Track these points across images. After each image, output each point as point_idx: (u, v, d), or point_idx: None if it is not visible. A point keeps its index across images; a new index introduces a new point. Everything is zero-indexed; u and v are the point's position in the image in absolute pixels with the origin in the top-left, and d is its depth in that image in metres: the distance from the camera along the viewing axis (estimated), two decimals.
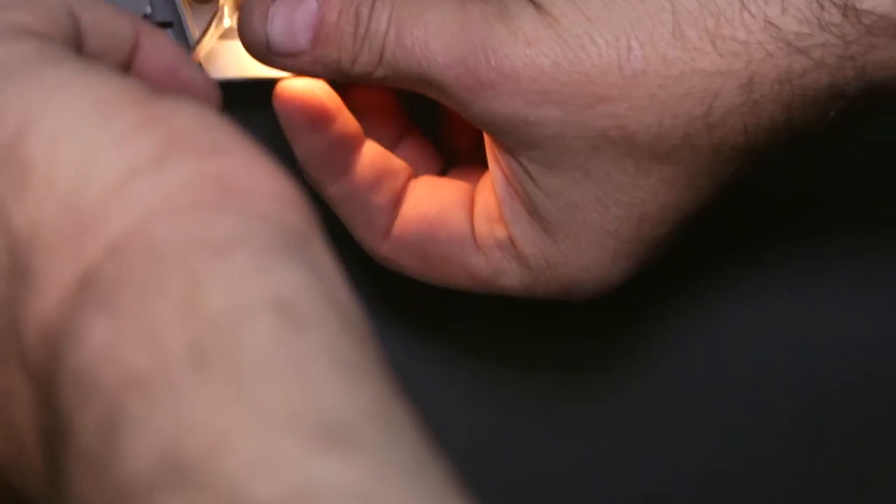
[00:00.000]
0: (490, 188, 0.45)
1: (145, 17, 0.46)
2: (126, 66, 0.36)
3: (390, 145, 0.49)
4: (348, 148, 0.46)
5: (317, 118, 0.46)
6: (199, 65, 0.46)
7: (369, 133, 0.49)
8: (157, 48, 0.36)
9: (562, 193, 0.42)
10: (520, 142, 0.41)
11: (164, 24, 0.49)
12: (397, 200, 0.47)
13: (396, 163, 0.48)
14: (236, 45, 0.49)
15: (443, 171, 0.50)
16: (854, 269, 0.57)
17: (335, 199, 0.47)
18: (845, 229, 0.57)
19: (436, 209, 0.46)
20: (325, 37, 0.42)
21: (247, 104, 0.54)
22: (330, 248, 0.28)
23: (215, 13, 0.46)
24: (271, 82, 0.48)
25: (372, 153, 0.47)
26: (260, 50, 0.43)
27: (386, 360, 0.27)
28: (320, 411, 0.24)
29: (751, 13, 0.38)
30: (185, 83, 0.38)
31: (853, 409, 0.58)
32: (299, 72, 0.44)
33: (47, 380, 0.26)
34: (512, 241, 0.44)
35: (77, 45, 0.33)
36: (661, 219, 0.42)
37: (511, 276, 0.45)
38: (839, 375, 0.57)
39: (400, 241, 0.46)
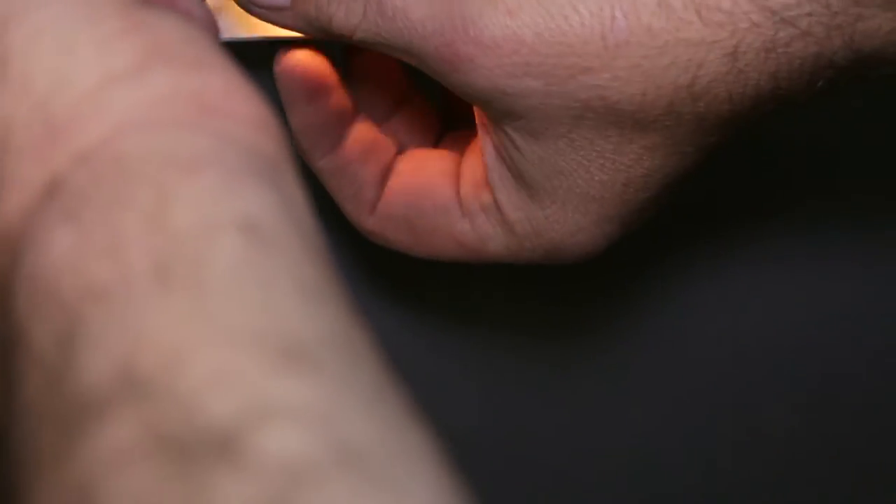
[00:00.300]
0: (478, 154, 0.46)
1: None
2: None
3: (389, 110, 0.50)
4: (341, 123, 0.47)
5: (314, 91, 0.46)
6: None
7: (368, 97, 0.49)
8: None
9: (546, 161, 0.42)
10: (502, 112, 0.41)
11: None
12: (385, 175, 0.47)
13: (386, 138, 0.48)
14: None
15: (440, 136, 0.51)
16: (850, 245, 0.57)
17: (324, 171, 0.47)
18: (840, 202, 0.57)
19: (421, 180, 0.47)
20: None
21: (255, 63, 0.55)
22: (297, 175, 0.28)
23: None
24: (279, 42, 0.49)
25: (363, 128, 0.48)
26: (243, 1, 0.44)
27: (347, 289, 0.26)
28: (281, 332, 0.24)
29: None
30: (184, 11, 0.38)
31: (842, 382, 0.58)
32: (285, 26, 0.44)
33: (3, 284, 0.26)
34: (497, 206, 0.44)
35: None
36: (646, 184, 0.42)
37: (496, 242, 0.45)
38: (829, 351, 0.58)
39: (386, 214, 0.47)
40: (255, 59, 0.54)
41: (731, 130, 0.41)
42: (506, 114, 0.41)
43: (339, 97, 0.47)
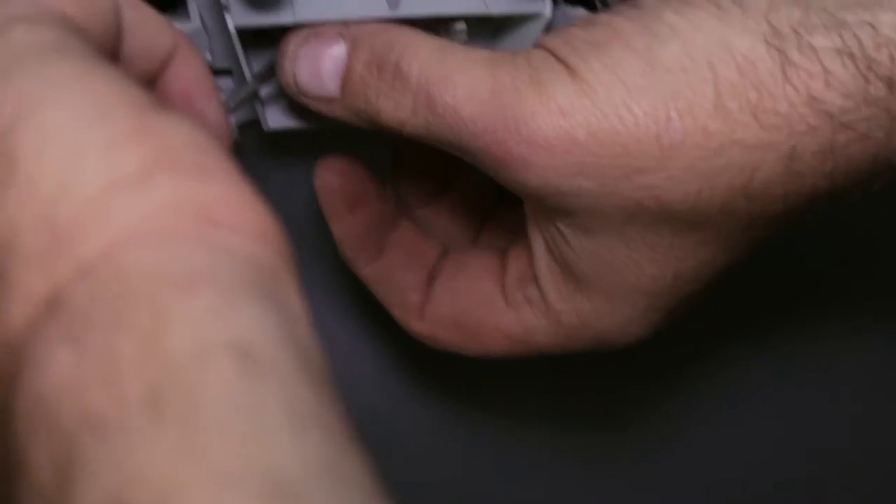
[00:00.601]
0: (522, 248, 0.46)
1: None
2: (154, 75, 0.35)
3: (430, 196, 0.50)
4: (383, 229, 0.48)
5: (354, 201, 0.47)
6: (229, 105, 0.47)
7: (409, 184, 0.50)
8: (188, 69, 0.36)
9: (596, 255, 0.41)
10: (553, 208, 0.41)
11: (223, 71, 0.50)
12: (430, 278, 0.48)
13: (429, 241, 0.49)
14: None
15: (483, 221, 0.51)
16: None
17: (370, 279, 0.48)
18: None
19: (465, 279, 0.47)
20: (351, 87, 0.42)
21: (301, 152, 0.56)
22: (300, 287, 0.28)
23: (269, 63, 0.47)
24: (326, 131, 0.50)
25: (405, 232, 0.49)
26: (291, 91, 0.44)
27: (343, 406, 0.26)
28: (269, 469, 0.23)
29: (794, 86, 0.37)
30: (199, 114, 0.38)
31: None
32: (334, 117, 0.44)
33: (7, 394, 0.26)
34: (544, 298, 0.44)
35: (114, 41, 0.33)
36: (696, 276, 0.42)
37: (543, 333, 0.45)
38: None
39: (434, 316, 0.47)
40: (300, 146, 0.55)
41: (784, 225, 0.40)
42: (557, 210, 0.41)
43: (380, 204, 0.48)
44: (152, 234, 0.26)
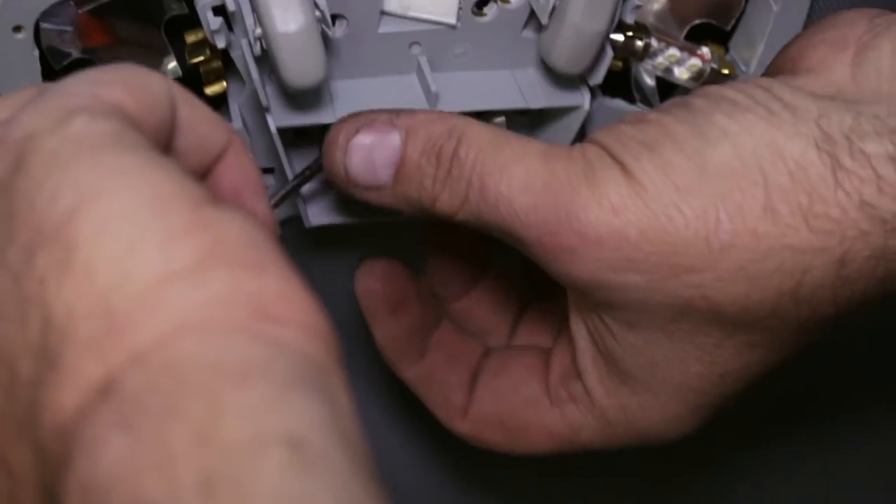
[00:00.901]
0: (564, 346, 0.46)
1: None
2: (206, 170, 0.36)
3: (464, 289, 0.50)
4: (424, 331, 0.48)
5: (395, 305, 0.47)
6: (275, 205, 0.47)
7: (447, 272, 0.50)
8: (239, 166, 0.36)
9: (642, 351, 0.41)
10: (601, 302, 0.41)
11: (266, 171, 0.50)
12: (473, 378, 0.48)
13: (470, 340, 0.49)
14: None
15: (520, 312, 0.51)
16: None
17: (413, 381, 0.48)
18: None
19: (508, 379, 0.47)
20: (405, 175, 0.42)
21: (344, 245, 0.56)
22: (347, 382, 0.28)
23: (315, 161, 0.47)
24: (372, 224, 0.50)
25: (447, 333, 0.49)
26: (340, 181, 0.43)
27: (389, 499, 0.26)
28: None
29: (845, 191, 0.37)
30: (247, 210, 0.37)
31: None
32: (384, 205, 0.43)
33: (55, 476, 0.26)
34: (588, 394, 0.44)
35: (168, 135, 0.33)
36: (743, 376, 0.41)
37: (588, 430, 0.44)
38: None
39: (478, 417, 0.47)
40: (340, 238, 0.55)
41: (834, 328, 0.40)
42: (604, 303, 0.41)
43: (421, 307, 0.48)
44: (207, 326, 0.27)
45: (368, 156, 0.42)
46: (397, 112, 0.43)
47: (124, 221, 0.27)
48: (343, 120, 0.43)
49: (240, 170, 0.36)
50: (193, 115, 0.34)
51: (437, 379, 0.48)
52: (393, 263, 0.48)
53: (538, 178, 0.39)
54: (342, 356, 0.28)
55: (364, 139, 0.42)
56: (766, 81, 0.40)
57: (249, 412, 0.25)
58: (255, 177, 0.37)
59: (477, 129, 0.41)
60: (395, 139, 0.42)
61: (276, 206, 0.47)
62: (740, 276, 0.38)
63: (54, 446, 0.26)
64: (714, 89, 0.40)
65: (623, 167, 0.39)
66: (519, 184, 0.40)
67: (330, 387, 0.27)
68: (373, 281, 0.47)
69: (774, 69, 0.42)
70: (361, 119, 0.43)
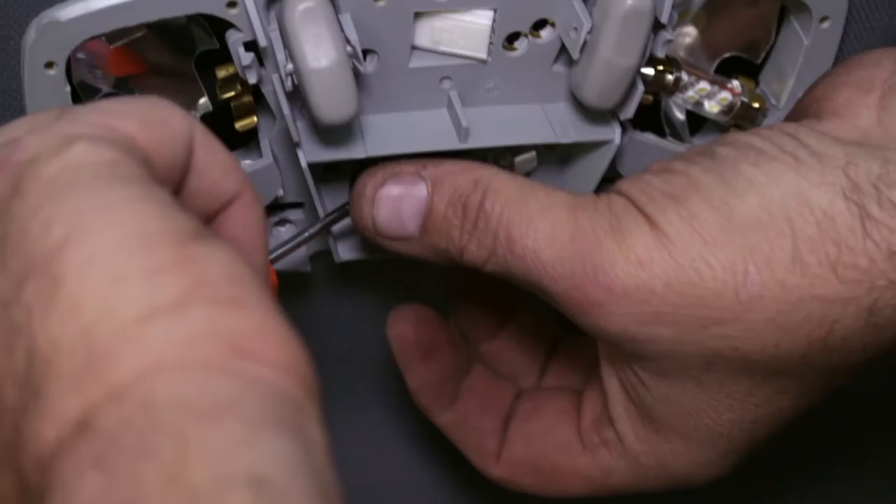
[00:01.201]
0: (596, 390, 0.45)
1: (277, 199, 0.48)
2: (213, 215, 0.36)
3: (492, 330, 0.50)
4: (457, 376, 0.48)
5: (427, 351, 0.47)
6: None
7: (470, 319, 0.50)
8: (243, 220, 0.36)
9: (673, 400, 0.41)
10: (630, 354, 0.40)
11: (296, 205, 0.50)
12: (505, 422, 0.48)
13: (501, 383, 0.49)
14: None
15: (549, 353, 0.51)
16: None
17: (446, 426, 0.48)
18: None
19: (540, 423, 0.47)
20: (433, 226, 0.42)
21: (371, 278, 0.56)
22: (321, 418, 0.28)
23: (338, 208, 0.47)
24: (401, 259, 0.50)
25: (479, 377, 0.49)
26: (368, 232, 0.44)
27: None
28: None
29: (874, 241, 0.37)
30: (244, 241, 0.38)
31: None
32: (411, 255, 0.44)
33: None
34: (620, 439, 0.44)
35: (180, 173, 0.33)
36: (774, 421, 0.41)
37: (620, 474, 0.44)
38: None
39: (511, 461, 0.47)
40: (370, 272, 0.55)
41: (862, 371, 0.40)
42: (634, 355, 0.41)
43: (453, 352, 0.48)
44: (183, 363, 0.27)
45: (396, 207, 0.42)
46: (424, 163, 0.43)
47: (110, 257, 0.28)
48: (370, 171, 0.44)
49: (244, 222, 0.36)
50: (209, 158, 0.34)
51: (470, 424, 0.48)
52: (424, 309, 0.48)
53: (564, 231, 0.39)
54: (318, 393, 0.29)
55: (391, 190, 0.42)
56: (791, 127, 0.40)
57: (216, 452, 0.25)
58: (257, 232, 0.37)
59: (503, 180, 0.41)
60: (421, 190, 0.42)
61: (305, 242, 0.47)
62: (770, 326, 0.38)
63: (34, 477, 0.27)
64: (740, 137, 0.40)
65: (649, 219, 0.39)
66: (545, 236, 0.40)
67: (303, 424, 0.27)
68: (404, 327, 0.47)
69: (800, 110, 0.42)
70: (388, 170, 0.43)
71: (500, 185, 0.41)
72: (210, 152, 0.34)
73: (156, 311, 0.27)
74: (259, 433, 0.26)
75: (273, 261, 0.46)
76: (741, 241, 0.38)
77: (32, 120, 0.32)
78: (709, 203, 0.38)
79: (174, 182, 0.33)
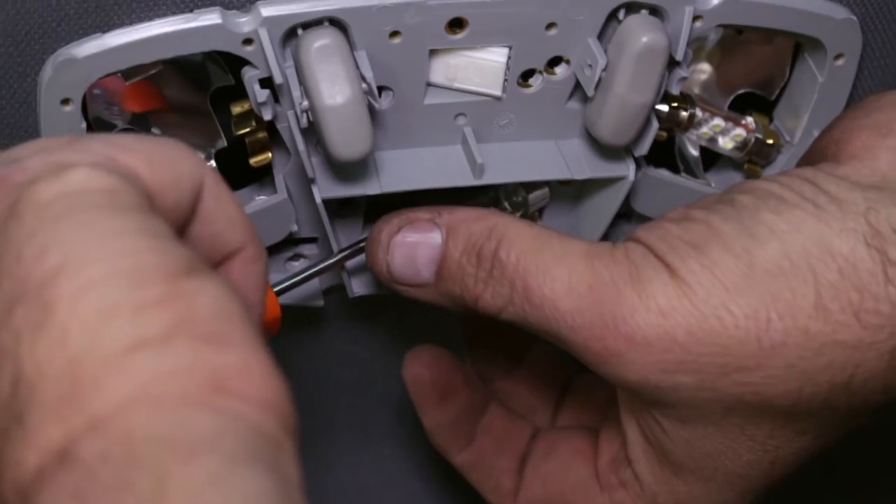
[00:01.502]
0: (613, 429, 0.45)
1: (291, 234, 0.48)
2: (214, 265, 0.35)
3: (507, 367, 0.50)
4: (473, 417, 0.48)
5: (443, 392, 0.47)
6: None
7: (484, 356, 0.50)
8: (244, 275, 0.36)
9: (693, 444, 0.41)
10: (651, 400, 0.40)
11: (310, 240, 0.50)
12: (522, 462, 0.48)
13: (518, 423, 0.49)
14: None
15: (564, 390, 0.51)
16: None
17: (462, 466, 0.48)
18: None
19: (557, 462, 0.47)
20: (447, 273, 0.42)
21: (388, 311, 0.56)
22: (297, 455, 0.28)
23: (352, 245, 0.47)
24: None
25: (495, 417, 0.49)
26: (384, 278, 0.44)
27: None
28: None
29: None
30: (237, 276, 0.37)
31: None
32: (426, 301, 0.43)
33: None
34: (638, 481, 0.43)
35: (185, 217, 0.33)
36: (793, 461, 0.41)
37: None
38: None
39: (527, 501, 0.47)
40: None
41: (882, 409, 0.40)
42: (654, 402, 0.40)
43: (469, 392, 0.48)
44: (165, 397, 0.27)
45: (410, 254, 0.42)
46: (439, 210, 0.43)
47: (102, 289, 0.28)
48: (385, 218, 0.44)
49: (244, 277, 0.36)
50: (217, 208, 0.34)
51: (487, 464, 0.48)
52: (440, 350, 0.48)
53: (582, 281, 0.39)
54: (297, 430, 0.29)
55: (406, 237, 0.43)
56: (810, 173, 0.40)
57: (192, 489, 0.25)
58: (256, 288, 0.36)
59: (517, 228, 0.41)
60: (436, 237, 0.42)
61: (314, 275, 0.47)
62: (792, 372, 0.38)
63: (13, 502, 0.27)
64: (759, 184, 0.40)
65: (669, 268, 0.38)
66: (563, 286, 0.39)
67: (279, 461, 0.27)
68: (420, 368, 0.47)
69: (817, 152, 0.42)
70: (403, 217, 0.43)
71: (515, 233, 0.41)
72: (218, 202, 0.34)
73: (141, 344, 0.27)
74: (235, 470, 0.26)
75: (280, 293, 0.46)
76: (763, 289, 0.37)
77: (42, 143, 0.33)
78: (730, 251, 0.38)
79: (176, 224, 0.33)
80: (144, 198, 0.31)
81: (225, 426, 0.27)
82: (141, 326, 0.27)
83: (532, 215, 0.50)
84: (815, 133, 0.49)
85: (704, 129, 0.49)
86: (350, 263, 0.48)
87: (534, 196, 0.49)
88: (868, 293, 0.37)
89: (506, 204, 0.49)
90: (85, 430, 0.26)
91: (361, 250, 0.46)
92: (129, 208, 0.30)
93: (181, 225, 0.33)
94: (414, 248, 0.42)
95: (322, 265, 0.47)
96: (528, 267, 0.40)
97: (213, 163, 0.46)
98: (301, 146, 0.43)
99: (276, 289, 0.45)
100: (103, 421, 0.26)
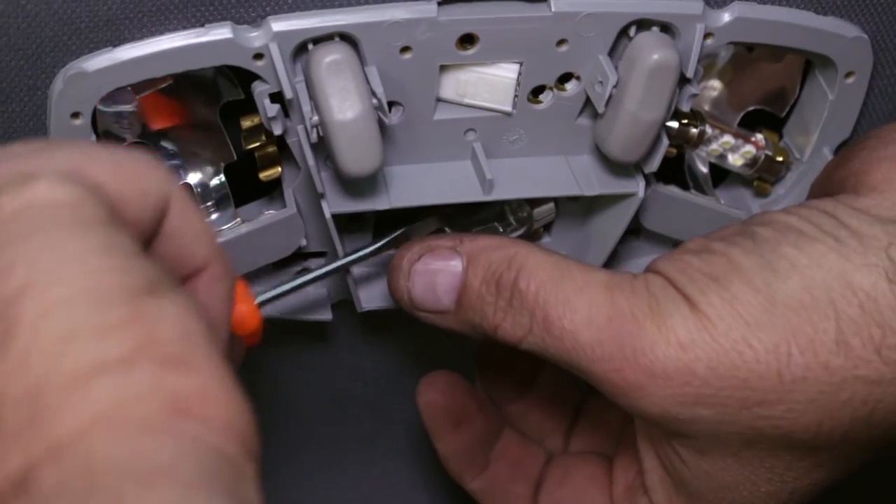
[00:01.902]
0: (629, 456, 0.45)
1: (300, 248, 0.48)
2: (182, 280, 0.35)
3: (518, 391, 0.50)
4: (487, 443, 0.48)
5: (457, 419, 0.47)
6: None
7: (495, 380, 0.50)
8: (211, 294, 0.35)
9: (712, 475, 0.40)
10: (670, 432, 0.40)
11: (318, 254, 0.50)
12: (536, 487, 0.48)
13: (532, 448, 0.48)
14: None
15: (576, 413, 0.51)
16: None
17: (477, 492, 0.48)
18: None
19: (572, 489, 0.47)
20: (467, 302, 0.42)
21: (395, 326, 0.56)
22: (258, 478, 0.28)
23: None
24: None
25: (509, 443, 0.49)
26: (405, 305, 0.44)
27: None
28: None
29: None
30: (204, 298, 0.37)
31: None
32: (446, 328, 0.43)
33: None
34: None
35: (149, 230, 0.33)
36: (811, 491, 0.41)
37: None
38: None
39: None
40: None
41: None
42: (673, 433, 0.40)
43: (483, 418, 0.48)
44: (124, 423, 0.27)
45: (431, 281, 0.42)
46: (461, 237, 0.43)
47: (64, 312, 0.27)
48: (407, 245, 0.44)
49: (210, 296, 0.36)
50: (182, 224, 0.34)
51: (501, 490, 0.48)
52: (454, 376, 0.48)
53: (602, 313, 0.39)
54: (258, 453, 0.28)
55: (426, 265, 0.42)
56: (830, 205, 0.39)
57: None
58: (222, 307, 0.36)
59: (537, 257, 0.41)
60: (456, 265, 0.42)
61: (281, 297, 0.46)
62: (813, 406, 0.38)
63: None
64: (778, 217, 0.40)
65: (689, 301, 0.38)
66: (583, 318, 0.39)
67: (239, 486, 0.27)
68: (434, 395, 0.47)
69: (836, 183, 0.42)
70: (425, 245, 0.43)
71: (534, 263, 0.41)
72: (185, 217, 0.34)
73: (102, 368, 0.27)
74: (196, 496, 0.26)
75: (262, 304, 0.45)
76: (784, 323, 0.37)
77: (9, 150, 0.32)
78: (751, 285, 0.38)
79: (141, 237, 0.33)
80: (109, 210, 0.30)
81: (184, 451, 0.27)
82: (102, 350, 0.27)
83: (537, 231, 0.50)
84: (825, 150, 0.49)
85: (714, 146, 0.49)
86: (358, 277, 0.48)
87: (539, 211, 0.49)
88: (890, 329, 0.37)
89: (511, 219, 0.49)
90: (44, 457, 0.26)
91: (338, 270, 0.45)
92: (92, 223, 0.29)
93: (147, 238, 0.33)
94: (434, 275, 0.42)
95: (301, 280, 0.45)
96: (548, 298, 0.40)
97: (222, 178, 0.46)
98: (311, 161, 0.43)
99: (258, 299, 0.44)
100: (63, 447, 0.26)
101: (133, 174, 0.32)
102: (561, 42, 0.43)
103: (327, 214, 0.44)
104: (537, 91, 0.45)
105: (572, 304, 0.39)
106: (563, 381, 0.51)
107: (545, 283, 0.40)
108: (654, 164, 0.46)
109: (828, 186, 0.42)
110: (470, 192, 0.45)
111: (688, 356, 0.38)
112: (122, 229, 0.30)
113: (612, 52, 0.44)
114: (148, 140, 0.45)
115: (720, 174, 0.52)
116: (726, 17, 0.44)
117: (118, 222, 0.30)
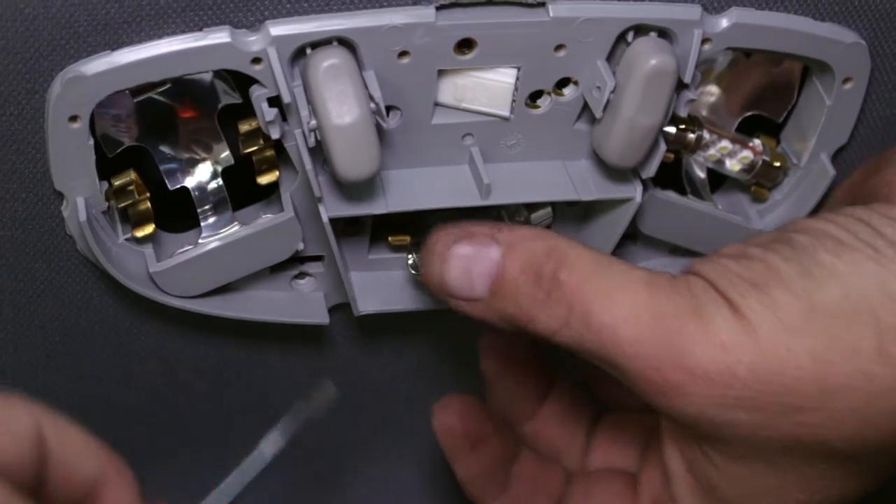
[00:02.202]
0: (653, 470, 0.45)
1: (297, 252, 0.48)
2: (86, 499, 0.34)
3: (530, 410, 0.50)
4: (506, 464, 0.47)
5: (474, 441, 0.46)
6: None
7: (507, 401, 0.49)
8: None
9: (744, 481, 0.40)
10: (703, 435, 0.40)
11: (315, 258, 0.50)
12: None
13: (551, 468, 0.48)
14: (384, 277, 0.51)
15: (591, 429, 0.51)
16: None
17: None
18: None
19: None
20: (503, 290, 0.41)
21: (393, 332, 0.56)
22: None
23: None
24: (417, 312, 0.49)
25: (528, 462, 0.48)
26: (436, 290, 0.42)
27: None
28: None
29: None
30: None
31: None
32: (476, 317, 0.42)
33: None
34: None
35: (36, 469, 0.32)
36: (840, 499, 0.41)
37: None
38: None
39: None
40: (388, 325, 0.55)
41: None
42: (707, 436, 0.40)
43: (500, 439, 0.47)
44: None
45: (466, 267, 0.41)
46: (499, 226, 0.42)
47: None
48: (443, 228, 0.43)
49: None
50: (63, 447, 0.33)
51: None
52: (469, 399, 0.47)
53: (644, 310, 0.38)
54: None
55: (463, 250, 0.41)
56: (865, 214, 0.39)
57: None
58: None
59: (577, 251, 0.40)
60: (494, 252, 0.41)
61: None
62: (853, 415, 0.37)
63: None
64: (815, 224, 0.39)
65: (731, 304, 0.38)
66: (624, 313, 0.39)
67: None
68: (451, 418, 0.46)
69: (868, 191, 0.42)
70: (462, 230, 0.42)
71: (575, 256, 0.40)
72: (63, 440, 0.33)
73: None
74: None
75: None
76: (825, 331, 0.37)
77: None
78: (791, 292, 0.38)
79: (29, 478, 0.33)
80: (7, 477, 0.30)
81: None
82: None
83: None
84: (823, 156, 0.49)
85: (712, 151, 0.49)
86: (356, 281, 0.48)
87: (536, 216, 0.49)
88: None
89: (508, 223, 0.49)
90: None
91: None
92: None
93: (35, 475, 0.33)
94: (470, 261, 0.41)
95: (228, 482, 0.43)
96: (590, 291, 0.39)
97: (219, 181, 0.46)
98: (308, 165, 0.43)
99: None
100: None
101: (1, 427, 0.32)
102: (559, 47, 0.43)
103: (325, 218, 0.44)
104: (535, 96, 0.45)
105: (614, 299, 0.39)
106: (575, 395, 0.50)
107: (587, 276, 0.39)
108: (651, 169, 0.46)
109: (858, 194, 0.42)
110: (467, 197, 0.45)
111: (729, 358, 0.37)
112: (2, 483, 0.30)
113: (610, 58, 0.44)
114: (145, 143, 0.45)
115: (718, 179, 0.52)
116: (724, 22, 0.44)
117: (15, 479, 0.30)
